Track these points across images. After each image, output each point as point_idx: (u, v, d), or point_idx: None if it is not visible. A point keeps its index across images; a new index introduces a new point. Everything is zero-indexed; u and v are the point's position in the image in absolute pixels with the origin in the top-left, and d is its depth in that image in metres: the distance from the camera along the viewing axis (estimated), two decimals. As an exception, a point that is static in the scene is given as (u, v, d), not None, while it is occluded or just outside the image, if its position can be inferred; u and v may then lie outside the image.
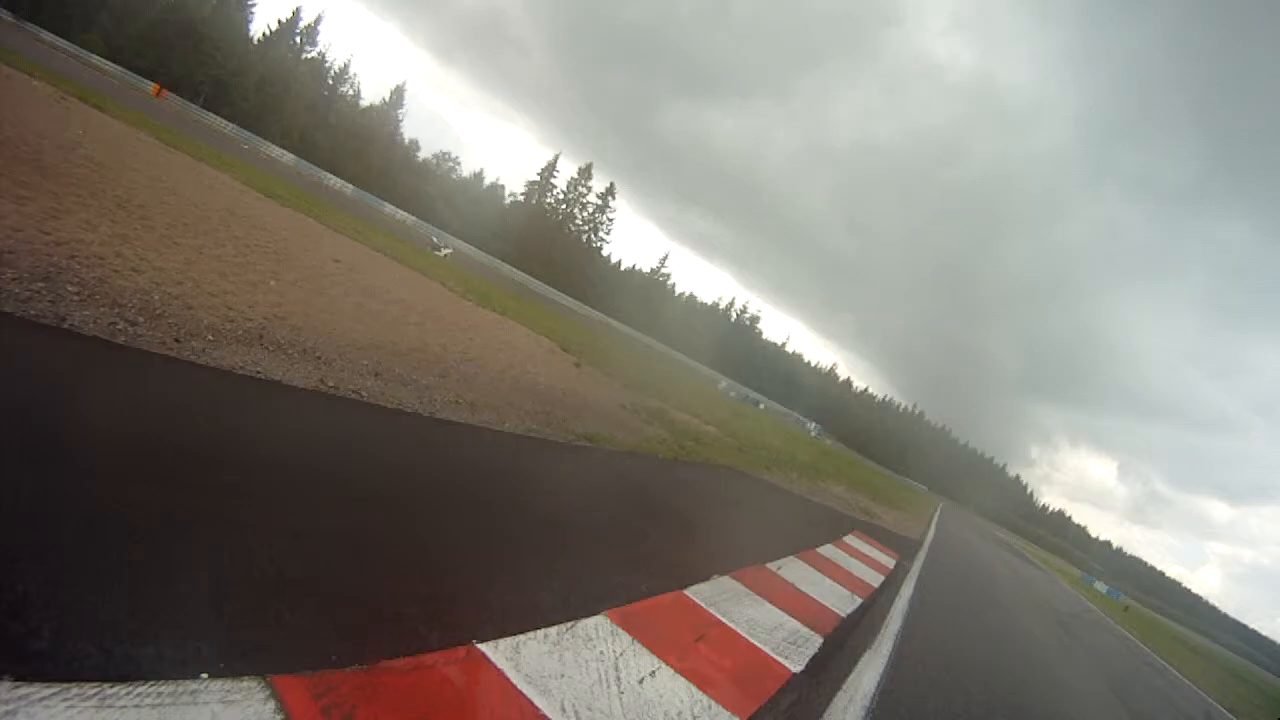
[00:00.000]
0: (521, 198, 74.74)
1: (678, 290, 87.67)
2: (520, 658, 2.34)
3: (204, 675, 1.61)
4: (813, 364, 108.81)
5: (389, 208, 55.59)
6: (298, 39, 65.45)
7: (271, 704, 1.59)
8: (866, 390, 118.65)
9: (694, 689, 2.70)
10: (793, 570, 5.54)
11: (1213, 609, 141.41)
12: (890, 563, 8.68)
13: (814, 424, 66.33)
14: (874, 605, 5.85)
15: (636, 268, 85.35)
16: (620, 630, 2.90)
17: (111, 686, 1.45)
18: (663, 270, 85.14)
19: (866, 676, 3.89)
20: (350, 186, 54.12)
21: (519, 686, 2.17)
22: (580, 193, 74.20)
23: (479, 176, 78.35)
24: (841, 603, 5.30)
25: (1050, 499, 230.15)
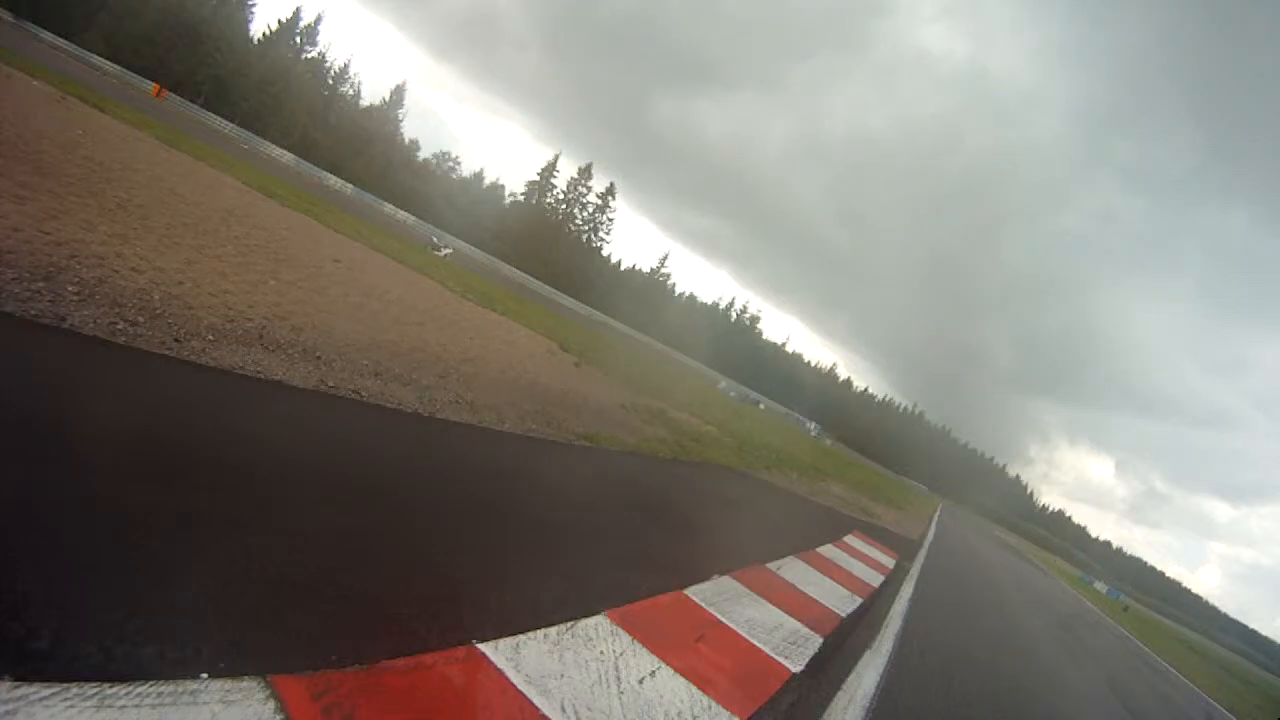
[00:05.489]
0: (521, 198, 74.74)
1: (677, 290, 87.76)
2: (520, 658, 2.34)
3: (204, 675, 1.61)
4: (812, 364, 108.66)
5: (389, 208, 55.50)
6: (298, 39, 65.38)
7: (271, 704, 1.59)
8: (866, 390, 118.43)
9: (694, 689, 2.70)
10: (793, 570, 5.54)
11: (1213, 609, 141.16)
12: (890, 563, 8.68)
13: (814, 424, 66.19)
14: (874, 605, 5.85)
15: (636, 267, 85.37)
16: (620, 630, 2.90)
17: (111, 686, 1.45)
18: (662, 270, 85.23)
19: (866, 676, 3.89)
20: (350, 186, 54.03)
21: (519, 686, 2.17)
22: (580, 193, 74.16)
23: (479, 176, 78.33)
24: (841, 603, 5.30)
25: (1050, 498, 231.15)
